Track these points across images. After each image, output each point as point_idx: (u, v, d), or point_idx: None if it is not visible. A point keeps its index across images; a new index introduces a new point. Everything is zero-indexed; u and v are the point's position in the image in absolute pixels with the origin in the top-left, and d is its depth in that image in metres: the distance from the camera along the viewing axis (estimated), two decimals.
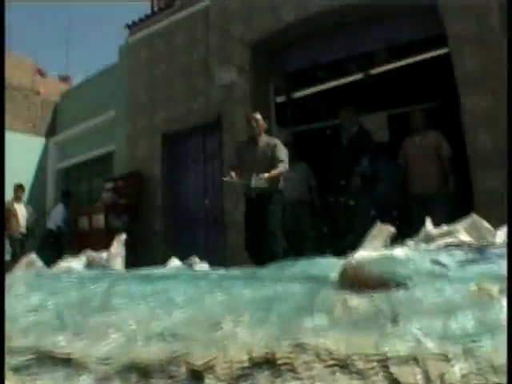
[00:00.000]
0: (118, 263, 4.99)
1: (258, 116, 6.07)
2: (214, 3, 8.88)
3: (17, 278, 3.37)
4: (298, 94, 9.58)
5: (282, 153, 5.83)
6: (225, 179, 6.08)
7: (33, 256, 5.39)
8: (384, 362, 1.27)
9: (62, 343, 1.77)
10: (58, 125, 13.62)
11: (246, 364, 1.29)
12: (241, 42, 8.23)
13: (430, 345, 1.29)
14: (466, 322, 1.39)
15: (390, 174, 7.27)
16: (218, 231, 8.39)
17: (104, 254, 5.07)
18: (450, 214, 6.03)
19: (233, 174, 5.82)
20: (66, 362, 1.67)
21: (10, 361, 1.80)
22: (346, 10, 7.49)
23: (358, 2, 7.32)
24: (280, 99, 9.08)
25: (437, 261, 2.34)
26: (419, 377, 1.23)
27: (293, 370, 1.27)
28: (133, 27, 10.65)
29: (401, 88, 8.75)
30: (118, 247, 5.18)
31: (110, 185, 9.95)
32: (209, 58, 8.72)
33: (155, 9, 10.94)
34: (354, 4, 7.35)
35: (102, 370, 1.54)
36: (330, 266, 2.38)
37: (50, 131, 13.55)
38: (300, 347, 1.27)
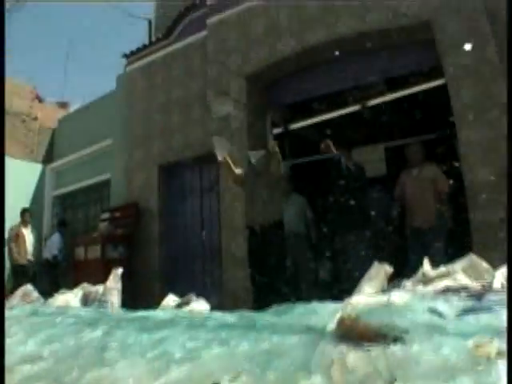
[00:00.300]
0: (115, 298, 4.97)
1: None
2: (211, 35, 8.94)
3: (13, 318, 3.36)
4: (295, 126, 9.58)
5: None
6: (220, 158, 6.14)
7: (28, 287, 5.40)
8: None
9: None
10: (55, 151, 13.67)
11: None
12: (238, 74, 8.27)
13: None
14: None
15: (385, 209, 7.30)
16: (215, 264, 8.36)
17: (100, 288, 5.05)
18: (448, 248, 6.10)
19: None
20: None
21: None
22: (342, 42, 7.57)
23: (354, 35, 7.40)
24: (277, 131, 9.11)
25: (434, 310, 2.35)
26: None
27: None
28: (130, 57, 10.70)
29: (398, 120, 8.82)
30: (114, 281, 5.17)
31: (106, 215, 9.96)
32: (206, 90, 8.75)
33: (153, 39, 11.05)
34: (350, 36, 7.44)
35: None
36: (327, 313, 2.38)
37: (47, 157, 13.57)
38: None
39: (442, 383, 1.43)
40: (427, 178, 6.60)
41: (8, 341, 2.68)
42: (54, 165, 13.39)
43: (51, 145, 13.83)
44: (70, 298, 4.96)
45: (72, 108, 16.38)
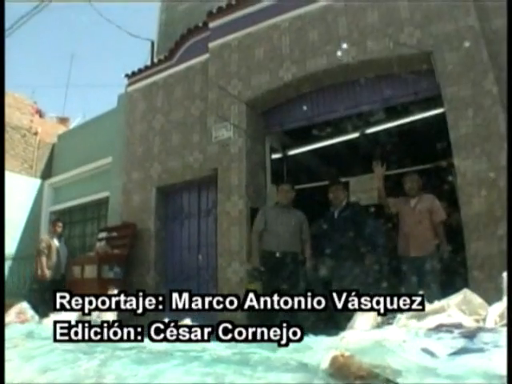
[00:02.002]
0: (111, 319, 4.98)
1: None
2: (212, 58, 9.00)
3: (9, 341, 3.36)
4: (294, 152, 9.68)
5: None
6: None
7: (24, 304, 5.37)
8: None
9: None
10: (54, 166, 13.72)
11: None
12: (238, 98, 8.33)
13: None
14: None
15: (381, 238, 7.31)
16: (211, 287, 8.35)
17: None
18: (443, 279, 6.11)
19: None
20: None
21: None
22: (342, 70, 7.67)
23: (355, 63, 7.47)
24: (276, 156, 9.18)
25: (427, 350, 2.38)
26: None
27: None
28: (132, 77, 10.76)
29: (396, 148, 8.87)
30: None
31: (103, 234, 9.91)
32: (206, 113, 8.80)
33: (155, 60, 11.13)
34: (350, 64, 7.51)
35: None
36: (321, 348, 2.40)
37: (46, 173, 13.62)
38: None
39: None
40: (424, 208, 6.62)
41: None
42: (53, 180, 13.41)
43: (50, 160, 13.88)
44: (65, 319, 4.95)
45: (72, 124, 16.48)
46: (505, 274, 3.42)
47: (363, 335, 2.64)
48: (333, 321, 5.53)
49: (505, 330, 2.72)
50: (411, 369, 2.03)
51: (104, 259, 8.98)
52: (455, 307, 3.26)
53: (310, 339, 2.68)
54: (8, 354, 3.01)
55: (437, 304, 3.28)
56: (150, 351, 2.71)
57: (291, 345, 2.56)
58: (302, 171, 9.81)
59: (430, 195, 6.73)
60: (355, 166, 9.50)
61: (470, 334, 2.64)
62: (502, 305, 3.13)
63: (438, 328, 2.87)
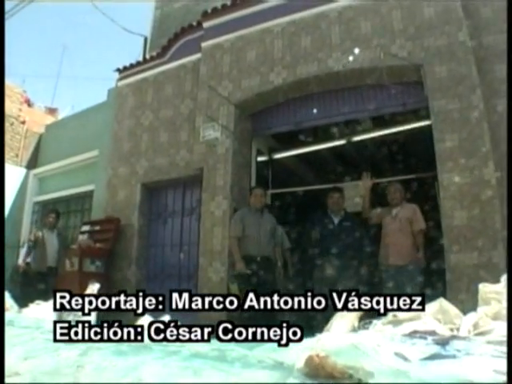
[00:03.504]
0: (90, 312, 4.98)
1: None
2: (204, 58, 9.04)
3: None
4: (280, 155, 9.74)
5: None
6: None
7: (5, 293, 5.36)
8: None
9: None
10: (40, 157, 13.63)
11: None
12: (228, 100, 8.38)
13: None
14: None
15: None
16: (191, 285, 8.35)
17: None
18: (421, 288, 6.20)
19: None
20: None
21: None
22: (332, 77, 7.74)
23: (345, 71, 7.56)
24: (261, 159, 9.22)
25: (400, 354, 2.44)
26: None
27: None
28: (123, 71, 10.78)
29: (381, 157, 8.97)
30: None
31: (86, 228, 9.92)
32: (195, 113, 8.83)
33: (147, 56, 11.14)
34: (340, 73, 7.60)
35: None
36: (297, 348, 2.45)
37: (32, 162, 13.54)
38: None
39: None
40: (405, 217, 6.73)
41: None
42: (38, 170, 13.33)
43: (37, 150, 13.79)
44: (45, 310, 4.96)
45: (61, 115, 16.41)
46: (481, 285, 3.51)
47: (339, 338, 2.70)
48: (310, 323, 5.62)
49: (478, 338, 2.80)
50: (384, 371, 2.09)
51: (86, 252, 8.98)
52: (431, 315, 3.33)
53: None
54: None
55: (413, 312, 3.34)
56: (130, 344, 2.74)
57: (268, 344, 2.61)
58: (287, 175, 9.89)
59: (412, 205, 6.83)
60: (340, 172, 9.59)
61: (443, 342, 2.70)
62: (476, 315, 3.20)
63: (413, 334, 2.94)
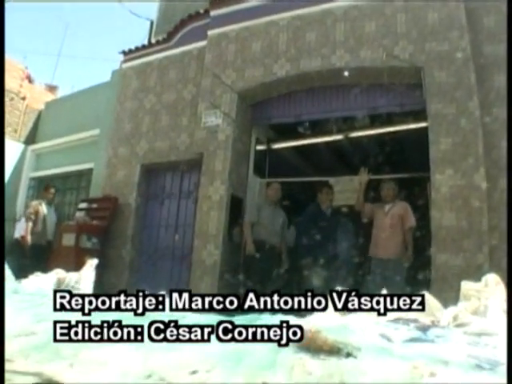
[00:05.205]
0: (87, 286, 5.17)
1: None
2: (210, 46, 9.17)
3: None
4: (278, 146, 9.91)
5: None
6: None
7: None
8: None
9: (60, 371, 2.00)
10: (39, 133, 13.69)
11: None
12: (231, 88, 8.53)
13: None
14: None
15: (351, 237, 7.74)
16: (184, 267, 8.57)
17: (74, 275, 5.23)
18: (407, 282, 6.41)
19: None
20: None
21: (13, 381, 2.02)
22: (334, 73, 7.90)
23: (347, 69, 7.70)
24: (260, 147, 9.39)
25: (384, 335, 2.66)
26: None
27: None
28: (128, 54, 10.87)
29: (376, 155, 9.13)
30: (89, 271, 5.35)
31: (84, 205, 10.10)
32: (198, 99, 8.97)
33: (152, 40, 11.25)
34: (343, 69, 7.74)
35: None
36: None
37: (30, 138, 13.61)
38: None
39: None
40: (396, 213, 6.96)
41: None
42: (36, 146, 13.40)
43: (36, 126, 13.83)
44: (43, 282, 5.12)
45: (60, 93, 16.45)
46: (463, 283, 3.71)
47: (330, 318, 2.91)
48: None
49: (456, 329, 3.02)
50: (369, 348, 2.30)
51: (83, 229, 9.10)
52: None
53: (280, 317, 2.91)
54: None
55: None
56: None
57: (264, 321, 2.79)
58: (283, 165, 10.06)
59: (404, 202, 7.06)
60: (335, 166, 9.79)
61: (424, 328, 2.92)
62: (456, 309, 3.41)
63: (396, 320, 3.15)
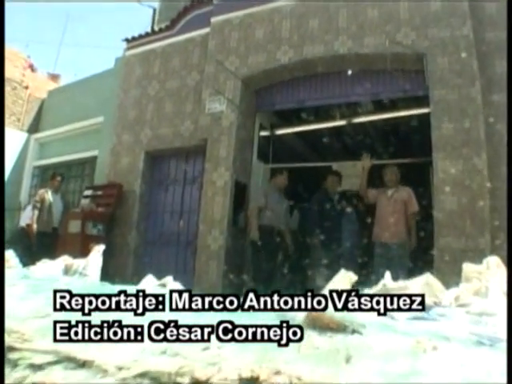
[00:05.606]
0: (95, 272, 5.23)
1: None
2: (213, 33, 9.21)
3: (7, 279, 3.59)
4: (281, 132, 9.97)
5: None
6: None
7: (9, 252, 5.58)
8: None
9: (76, 349, 2.07)
10: (42, 122, 13.76)
11: (237, 381, 1.66)
12: (234, 74, 8.58)
13: (371, 379, 1.68)
14: (401, 366, 1.78)
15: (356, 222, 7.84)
16: (188, 253, 8.67)
17: (81, 262, 5.29)
18: (410, 266, 6.49)
19: None
20: (86, 365, 1.98)
21: (32, 360, 2.10)
22: (337, 60, 7.96)
23: (350, 55, 7.78)
24: (263, 133, 9.44)
25: (388, 314, 2.73)
26: None
27: None
28: (131, 42, 10.90)
29: (379, 140, 9.20)
30: (96, 256, 5.42)
31: (89, 192, 10.16)
32: (201, 85, 9.02)
33: (155, 28, 11.28)
34: (346, 56, 7.82)
35: (120, 375, 1.86)
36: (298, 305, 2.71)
37: (33, 127, 13.67)
38: (277, 373, 1.66)
39: (387, 362, 1.82)
40: (400, 198, 7.03)
41: (10, 298, 2.97)
42: (40, 135, 13.47)
43: (39, 115, 13.92)
44: (51, 268, 5.18)
45: (63, 82, 16.46)
46: (465, 265, 3.78)
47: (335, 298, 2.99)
48: (309, 283, 6.07)
49: (458, 309, 3.09)
50: (374, 324, 2.38)
51: (88, 216, 9.20)
52: (417, 288, 3.60)
53: (287, 299, 2.98)
54: (11, 289, 3.27)
55: (401, 283, 3.61)
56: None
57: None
58: (287, 151, 10.13)
59: (407, 187, 7.13)
60: (339, 152, 9.85)
61: (427, 308, 3.00)
62: (458, 290, 3.48)
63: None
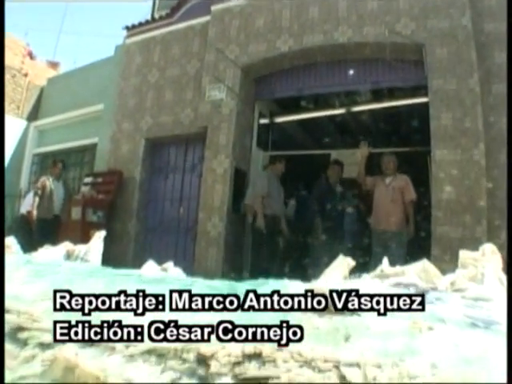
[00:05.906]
0: (96, 258, 5.30)
1: None
2: (213, 21, 9.23)
3: (12, 264, 3.65)
4: (281, 120, 10.01)
5: None
6: None
7: (11, 239, 5.64)
8: (337, 364, 1.74)
9: None
10: (41, 109, 13.74)
11: (240, 357, 1.73)
12: (234, 63, 8.62)
13: (369, 357, 1.75)
14: (397, 345, 1.86)
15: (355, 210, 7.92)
16: (188, 240, 8.75)
17: (83, 248, 5.36)
18: (407, 254, 6.56)
19: None
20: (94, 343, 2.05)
21: (41, 339, 2.18)
22: (337, 48, 8.00)
23: (350, 44, 7.82)
24: (263, 121, 9.49)
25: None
26: (359, 376, 1.70)
27: (274, 363, 1.73)
28: (131, 29, 10.90)
29: (378, 129, 9.25)
30: (97, 242, 5.48)
31: (89, 179, 10.19)
32: (201, 73, 9.05)
33: (155, 16, 11.27)
34: (346, 45, 7.86)
35: (128, 351, 1.93)
36: (297, 290, 2.78)
37: (33, 115, 13.67)
38: (279, 349, 1.74)
39: (385, 341, 1.89)
40: (397, 186, 7.07)
41: (16, 282, 3.04)
42: (39, 123, 13.47)
43: (38, 103, 13.90)
44: (53, 254, 5.24)
45: (62, 69, 16.43)
46: (461, 252, 3.85)
47: (334, 282, 3.06)
48: (307, 272, 6.16)
49: (454, 294, 3.16)
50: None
51: (89, 203, 9.26)
52: (414, 273, 3.67)
53: (286, 282, 3.06)
54: (16, 274, 3.34)
55: (398, 268, 3.67)
56: (147, 278, 3.07)
57: (270, 286, 2.94)
58: (286, 138, 10.18)
59: (405, 176, 7.17)
60: (338, 140, 9.91)
61: (424, 292, 3.07)
62: (454, 275, 3.55)
63: (397, 285, 3.30)
